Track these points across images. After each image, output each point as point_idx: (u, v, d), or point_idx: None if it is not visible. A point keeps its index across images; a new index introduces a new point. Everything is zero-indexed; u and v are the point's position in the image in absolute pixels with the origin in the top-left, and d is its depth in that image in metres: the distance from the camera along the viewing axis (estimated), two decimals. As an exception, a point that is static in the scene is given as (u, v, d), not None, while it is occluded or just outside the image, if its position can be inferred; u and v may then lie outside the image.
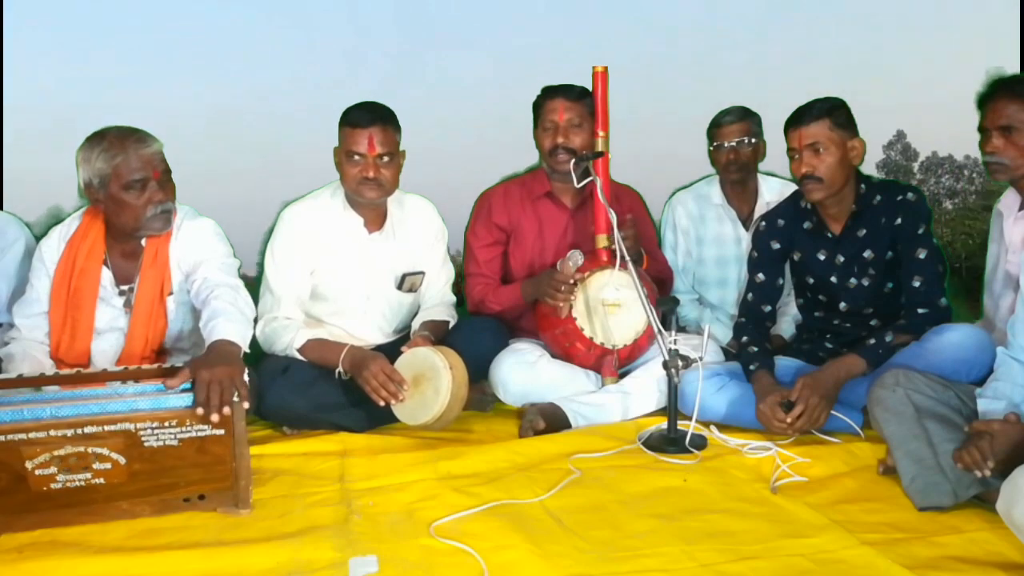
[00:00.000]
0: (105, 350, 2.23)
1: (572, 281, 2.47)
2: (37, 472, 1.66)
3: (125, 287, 2.24)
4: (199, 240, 2.25)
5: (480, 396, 2.63)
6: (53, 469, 1.66)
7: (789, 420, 2.14)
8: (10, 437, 1.63)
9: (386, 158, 2.45)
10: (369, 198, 2.49)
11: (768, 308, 2.54)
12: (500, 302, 2.73)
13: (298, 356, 2.41)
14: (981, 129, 2.18)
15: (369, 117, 2.44)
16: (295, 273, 2.51)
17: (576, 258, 2.46)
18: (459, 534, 1.65)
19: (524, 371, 2.54)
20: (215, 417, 1.70)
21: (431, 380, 2.28)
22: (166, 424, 1.70)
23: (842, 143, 2.29)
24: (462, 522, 1.73)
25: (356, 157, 2.44)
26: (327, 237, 2.54)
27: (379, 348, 2.61)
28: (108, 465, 1.69)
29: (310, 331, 2.46)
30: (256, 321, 2.31)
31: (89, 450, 1.67)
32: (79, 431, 1.66)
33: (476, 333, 2.55)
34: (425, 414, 2.27)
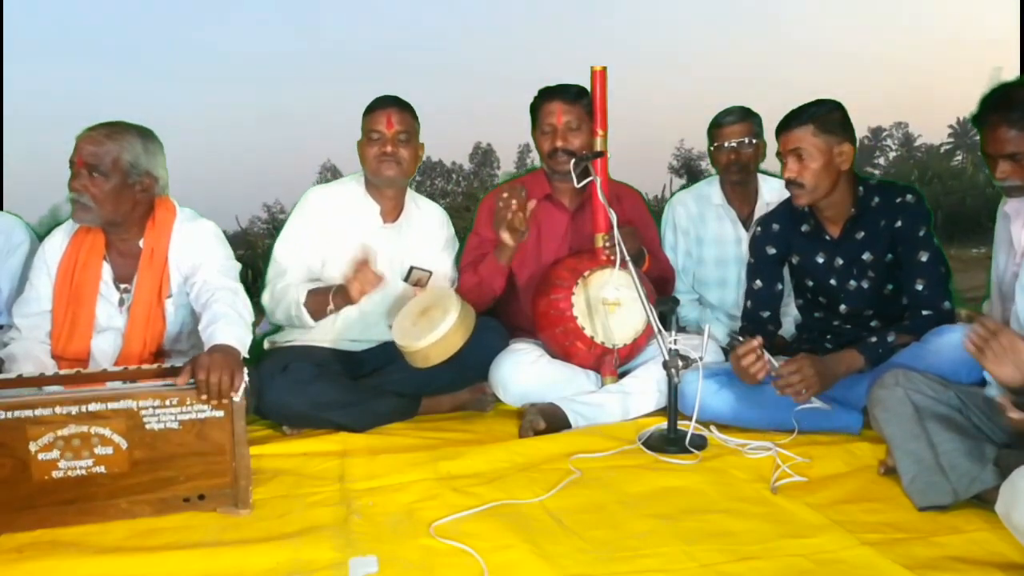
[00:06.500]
0: (104, 350, 2.22)
1: (506, 194, 2.49)
2: (40, 456, 1.67)
3: (123, 286, 2.24)
4: (198, 242, 2.25)
5: (480, 396, 2.64)
6: (56, 453, 1.68)
7: (781, 369, 2.12)
8: (16, 414, 1.65)
9: (403, 136, 2.58)
10: (387, 176, 2.58)
11: (767, 314, 2.54)
12: (479, 272, 2.70)
13: (307, 318, 2.44)
14: (983, 153, 2.14)
15: (387, 100, 2.62)
16: (303, 248, 2.59)
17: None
18: (459, 534, 1.66)
19: (524, 371, 2.54)
20: (220, 400, 1.73)
21: (440, 306, 2.41)
22: (167, 403, 1.73)
23: (827, 149, 2.26)
24: (462, 522, 1.73)
25: (375, 136, 2.58)
26: (342, 219, 2.61)
27: (382, 344, 2.63)
28: (110, 450, 1.71)
29: (308, 284, 2.51)
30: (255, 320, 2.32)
31: (92, 430, 1.69)
32: (83, 408, 1.69)
33: (477, 333, 2.55)
34: (431, 331, 2.35)
